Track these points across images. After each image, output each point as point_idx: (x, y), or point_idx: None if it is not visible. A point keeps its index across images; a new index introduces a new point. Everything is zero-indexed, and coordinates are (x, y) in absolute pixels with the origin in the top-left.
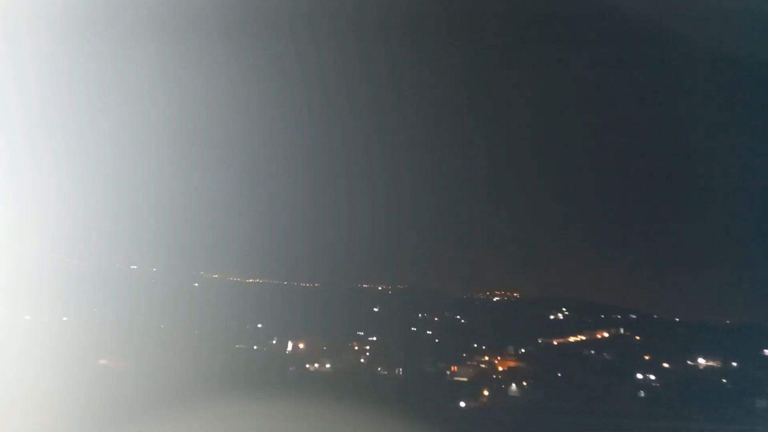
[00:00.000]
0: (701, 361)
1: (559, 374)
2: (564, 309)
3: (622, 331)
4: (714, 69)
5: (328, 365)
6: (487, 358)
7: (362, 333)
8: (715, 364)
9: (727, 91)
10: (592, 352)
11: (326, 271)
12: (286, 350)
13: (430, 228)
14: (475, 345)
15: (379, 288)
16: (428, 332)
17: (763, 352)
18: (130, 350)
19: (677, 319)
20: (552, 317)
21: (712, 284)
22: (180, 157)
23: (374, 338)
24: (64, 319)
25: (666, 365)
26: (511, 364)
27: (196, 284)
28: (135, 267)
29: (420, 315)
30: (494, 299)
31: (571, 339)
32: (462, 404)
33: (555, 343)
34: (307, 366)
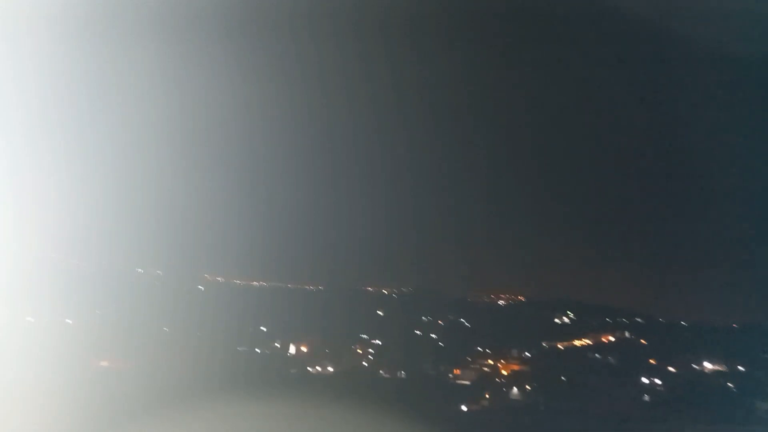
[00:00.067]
0: (707, 364)
1: (564, 378)
2: (569, 312)
3: (627, 334)
4: (714, 69)
5: (330, 368)
6: (490, 361)
7: (365, 336)
8: (721, 368)
9: (727, 91)
10: (597, 355)
11: (331, 274)
12: (288, 353)
13: (435, 230)
14: (479, 348)
15: (384, 291)
16: (432, 335)
17: None
18: (132, 353)
19: (683, 323)
20: (557, 320)
21: (719, 286)
22: (183, 158)
23: (377, 341)
24: (68, 321)
25: (672, 369)
26: (515, 367)
27: (200, 287)
28: (140, 270)
29: (424, 318)
30: (499, 302)
31: (576, 342)
32: (463, 407)
33: (560, 346)
34: (309, 369)
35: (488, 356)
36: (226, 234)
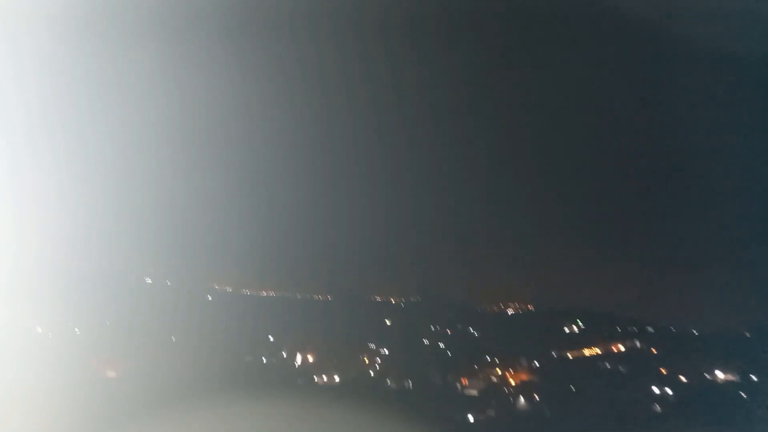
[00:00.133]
0: (719, 374)
1: (573, 388)
2: (579, 321)
3: (638, 344)
4: (714, 69)
5: (336, 378)
6: (499, 371)
7: (373, 346)
8: (733, 378)
9: (727, 91)
10: (607, 365)
11: (340, 284)
12: (294, 363)
13: (443, 239)
14: (488, 358)
15: (392, 300)
16: (440, 344)
17: None
18: (140, 362)
19: (695, 332)
20: (567, 330)
21: (731, 295)
22: (193, 167)
23: (385, 351)
24: (76, 330)
25: (683, 379)
26: (524, 377)
27: (209, 297)
28: (149, 280)
29: (432, 327)
30: (508, 311)
31: (586, 352)
32: (470, 418)
33: (569, 356)
34: (316, 379)
35: (496, 366)
36: (234, 244)
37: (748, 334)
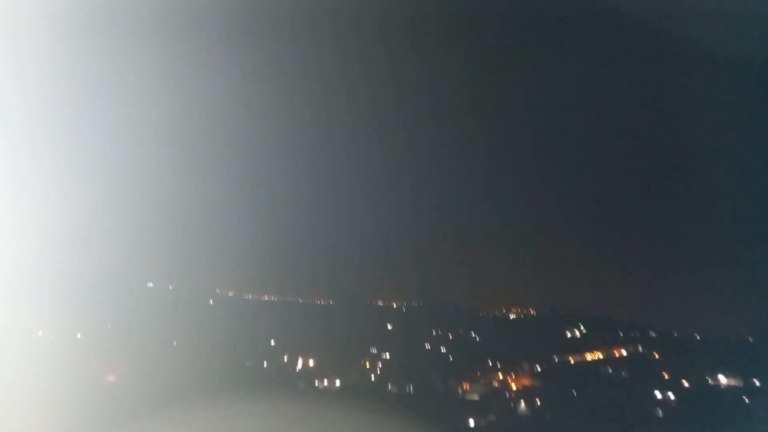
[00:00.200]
0: (722, 379)
1: (575, 392)
2: (581, 326)
3: (640, 348)
4: (714, 69)
5: (337, 382)
6: (500, 375)
7: (375, 350)
8: (736, 383)
9: (727, 91)
10: (609, 370)
11: (342, 288)
12: (296, 367)
13: (445, 244)
14: (489, 362)
15: (394, 305)
16: (442, 349)
17: None
18: (141, 366)
19: (697, 336)
20: (569, 334)
21: (734, 300)
22: (194, 172)
23: (387, 355)
24: (78, 335)
25: (685, 383)
26: (526, 382)
27: (211, 302)
28: (151, 285)
29: (434, 332)
30: (510, 315)
31: (588, 357)
32: (471, 422)
33: (571, 360)
34: (317, 383)
35: (498, 370)
36: (236, 248)
37: (750, 339)
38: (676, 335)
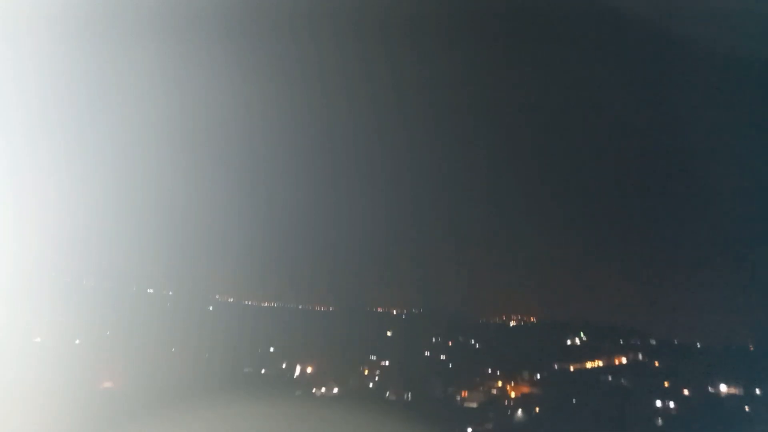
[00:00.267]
0: (723, 387)
1: (574, 401)
2: (581, 334)
3: (640, 356)
4: (714, 69)
5: (335, 390)
6: (500, 383)
7: (374, 357)
8: (737, 392)
9: (727, 91)
10: (610, 378)
11: (342, 295)
12: (294, 374)
13: (446, 251)
14: (489, 370)
15: (393, 312)
16: (441, 356)
17: None
18: (139, 373)
19: (698, 345)
20: (569, 342)
21: (735, 308)
22: (195, 178)
23: (386, 362)
24: (77, 342)
25: (686, 392)
26: (525, 390)
27: (211, 308)
28: (151, 291)
29: (434, 339)
30: (510, 323)
31: (588, 365)
32: (469, 430)
33: (571, 368)
34: (314, 390)
35: (497, 378)
36: (236, 254)
37: (751, 347)
38: (676, 343)
